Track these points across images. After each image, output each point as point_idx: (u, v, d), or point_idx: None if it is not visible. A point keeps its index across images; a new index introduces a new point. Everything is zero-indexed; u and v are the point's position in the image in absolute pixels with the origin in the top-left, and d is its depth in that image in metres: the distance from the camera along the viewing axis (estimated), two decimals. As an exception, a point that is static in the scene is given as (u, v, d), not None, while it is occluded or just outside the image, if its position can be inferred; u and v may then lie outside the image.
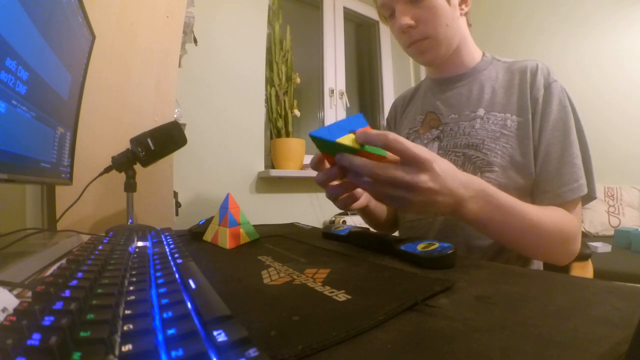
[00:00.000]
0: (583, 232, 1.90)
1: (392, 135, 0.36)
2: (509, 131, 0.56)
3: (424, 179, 0.37)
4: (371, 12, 2.59)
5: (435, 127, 0.65)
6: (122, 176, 0.70)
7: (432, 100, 0.68)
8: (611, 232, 1.76)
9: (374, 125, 2.59)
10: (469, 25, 0.66)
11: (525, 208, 0.47)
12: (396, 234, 0.74)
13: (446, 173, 0.39)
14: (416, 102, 0.74)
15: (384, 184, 0.38)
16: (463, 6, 0.61)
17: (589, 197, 0.53)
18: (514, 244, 0.49)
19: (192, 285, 0.22)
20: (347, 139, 0.38)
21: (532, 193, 0.55)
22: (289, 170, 1.80)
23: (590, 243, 1.53)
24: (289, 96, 1.85)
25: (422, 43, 0.60)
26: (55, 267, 0.37)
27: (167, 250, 0.36)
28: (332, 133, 0.38)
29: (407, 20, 0.57)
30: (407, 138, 0.69)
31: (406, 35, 0.60)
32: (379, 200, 0.41)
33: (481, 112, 0.59)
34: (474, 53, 0.65)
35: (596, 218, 1.90)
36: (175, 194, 1.05)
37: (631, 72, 1.99)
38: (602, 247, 1.51)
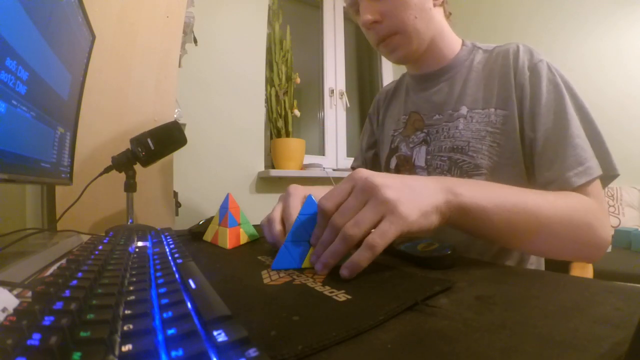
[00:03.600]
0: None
1: (321, 202, 0.34)
2: (494, 128, 0.53)
3: (361, 174, 0.33)
4: (371, 12, 2.59)
5: (419, 129, 0.63)
6: (122, 176, 0.70)
7: (414, 99, 0.66)
8: (611, 232, 1.76)
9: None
10: (449, 14, 0.62)
11: (525, 191, 0.41)
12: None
13: (394, 175, 0.35)
14: (398, 99, 0.72)
15: (353, 220, 0.32)
16: None
17: (611, 176, 0.48)
18: (522, 238, 0.40)
19: (192, 285, 0.22)
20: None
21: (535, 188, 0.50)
22: (289, 170, 1.81)
23: (590, 243, 1.53)
24: (289, 96, 1.85)
25: (391, 40, 0.57)
26: (55, 267, 0.37)
27: (167, 250, 0.36)
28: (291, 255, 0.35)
29: (368, 16, 0.55)
30: (393, 140, 0.68)
31: (372, 32, 0.57)
32: (376, 250, 0.31)
33: (464, 110, 0.56)
34: (452, 44, 0.61)
35: (596, 218, 1.90)
36: (175, 194, 1.05)
37: (631, 71, 1.99)
38: (602, 247, 1.50)
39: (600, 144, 0.48)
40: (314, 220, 0.36)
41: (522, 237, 0.40)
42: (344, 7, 2.43)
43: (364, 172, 0.34)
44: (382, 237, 0.31)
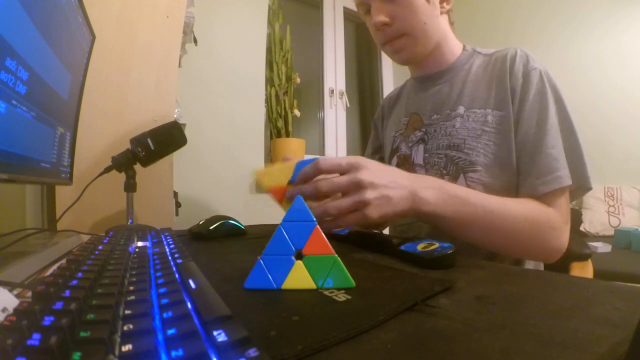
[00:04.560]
0: (583, 232, 1.90)
1: (320, 159, 0.41)
2: (490, 127, 0.54)
3: (363, 174, 0.40)
4: (371, 12, 2.59)
5: (418, 129, 0.64)
6: (122, 176, 0.70)
7: (415, 100, 0.68)
8: (611, 232, 1.76)
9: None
10: (451, 23, 0.65)
11: (486, 199, 0.47)
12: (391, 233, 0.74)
13: (386, 170, 0.43)
14: (401, 103, 0.74)
15: (333, 194, 0.41)
16: (444, 4, 0.60)
17: (583, 187, 0.50)
18: (479, 239, 0.48)
19: (192, 285, 0.22)
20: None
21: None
22: (289, 170, 1.80)
23: (590, 243, 1.53)
24: (289, 96, 1.85)
25: (397, 41, 0.59)
26: (55, 267, 0.37)
27: (167, 250, 0.36)
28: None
29: (381, 17, 0.56)
30: (394, 141, 0.69)
31: (381, 33, 0.59)
32: (343, 225, 0.42)
33: (461, 110, 0.58)
34: (454, 49, 0.64)
35: (596, 218, 1.90)
36: (175, 194, 1.05)
37: (632, 71, 1.99)
38: (602, 247, 1.51)
39: (578, 156, 0.50)
40: (302, 229, 0.29)
41: (478, 239, 0.48)
42: (344, 7, 2.43)
43: (365, 165, 0.41)
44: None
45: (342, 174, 0.41)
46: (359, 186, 0.39)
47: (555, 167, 0.48)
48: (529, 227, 0.47)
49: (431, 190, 0.44)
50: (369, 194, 0.39)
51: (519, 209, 0.48)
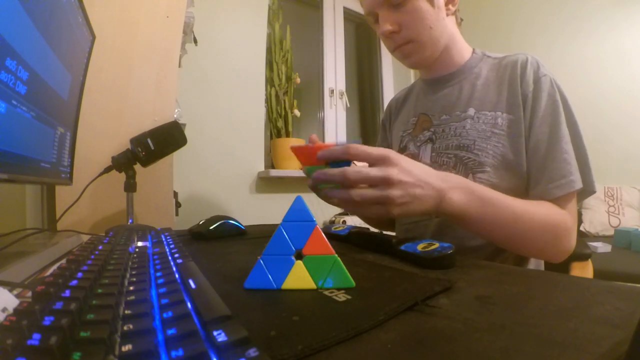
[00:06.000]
0: (583, 232, 1.90)
1: (353, 145, 0.40)
2: (499, 130, 0.55)
3: (393, 171, 0.39)
4: (371, 12, 2.59)
5: (426, 129, 0.65)
6: (122, 176, 0.70)
7: (424, 102, 0.68)
8: (611, 232, 1.76)
9: (374, 125, 2.59)
10: (460, 21, 0.65)
11: (509, 201, 0.47)
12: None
13: (417, 167, 0.42)
14: (409, 103, 0.74)
15: (359, 185, 0.40)
16: (450, 6, 0.60)
17: (588, 191, 0.52)
18: (501, 239, 0.49)
19: (192, 285, 0.22)
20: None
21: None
22: (289, 170, 1.81)
23: (590, 243, 1.53)
24: (289, 96, 1.85)
25: (405, 47, 0.60)
26: (55, 267, 0.37)
27: (167, 250, 0.36)
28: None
29: (388, 26, 0.58)
30: (402, 140, 0.70)
31: (390, 40, 0.60)
32: (365, 214, 0.44)
33: (471, 111, 0.59)
34: (463, 51, 0.64)
35: (596, 218, 1.90)
36: (175, 194, 1.05)
37: (632, 72, 1.99)
38: (602, 247, 1.50)
39: (585, 161, 0.52)
40: (302, 229, 0.29)
41: (499, 239, 0.49)
42: (344, 7, 2.43)
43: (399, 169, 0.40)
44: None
45: (370, 164, 0.41)
46: (387, 182, 0.39)
47: (569, 171, 0.50)
48: (548, 230, 0.48)
49: (458, 190, 0.44)
50: (396, 192, 0.39)
51: (539, 211, 0.48)
